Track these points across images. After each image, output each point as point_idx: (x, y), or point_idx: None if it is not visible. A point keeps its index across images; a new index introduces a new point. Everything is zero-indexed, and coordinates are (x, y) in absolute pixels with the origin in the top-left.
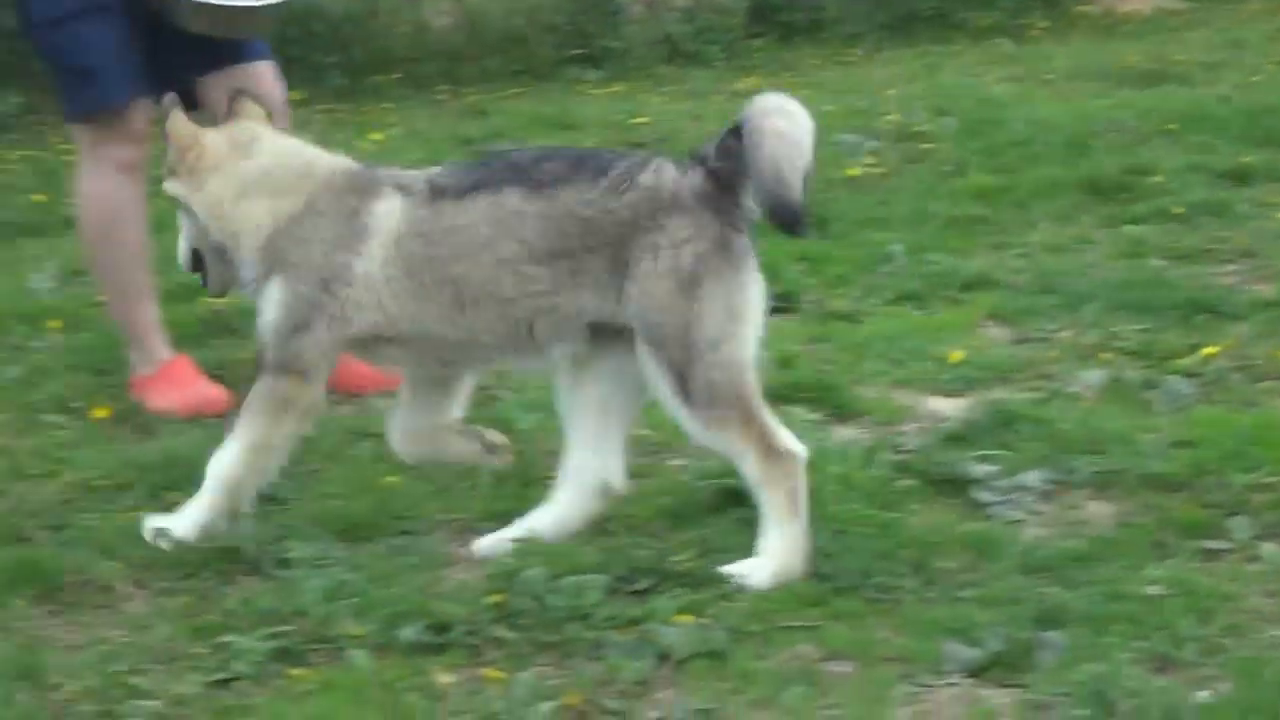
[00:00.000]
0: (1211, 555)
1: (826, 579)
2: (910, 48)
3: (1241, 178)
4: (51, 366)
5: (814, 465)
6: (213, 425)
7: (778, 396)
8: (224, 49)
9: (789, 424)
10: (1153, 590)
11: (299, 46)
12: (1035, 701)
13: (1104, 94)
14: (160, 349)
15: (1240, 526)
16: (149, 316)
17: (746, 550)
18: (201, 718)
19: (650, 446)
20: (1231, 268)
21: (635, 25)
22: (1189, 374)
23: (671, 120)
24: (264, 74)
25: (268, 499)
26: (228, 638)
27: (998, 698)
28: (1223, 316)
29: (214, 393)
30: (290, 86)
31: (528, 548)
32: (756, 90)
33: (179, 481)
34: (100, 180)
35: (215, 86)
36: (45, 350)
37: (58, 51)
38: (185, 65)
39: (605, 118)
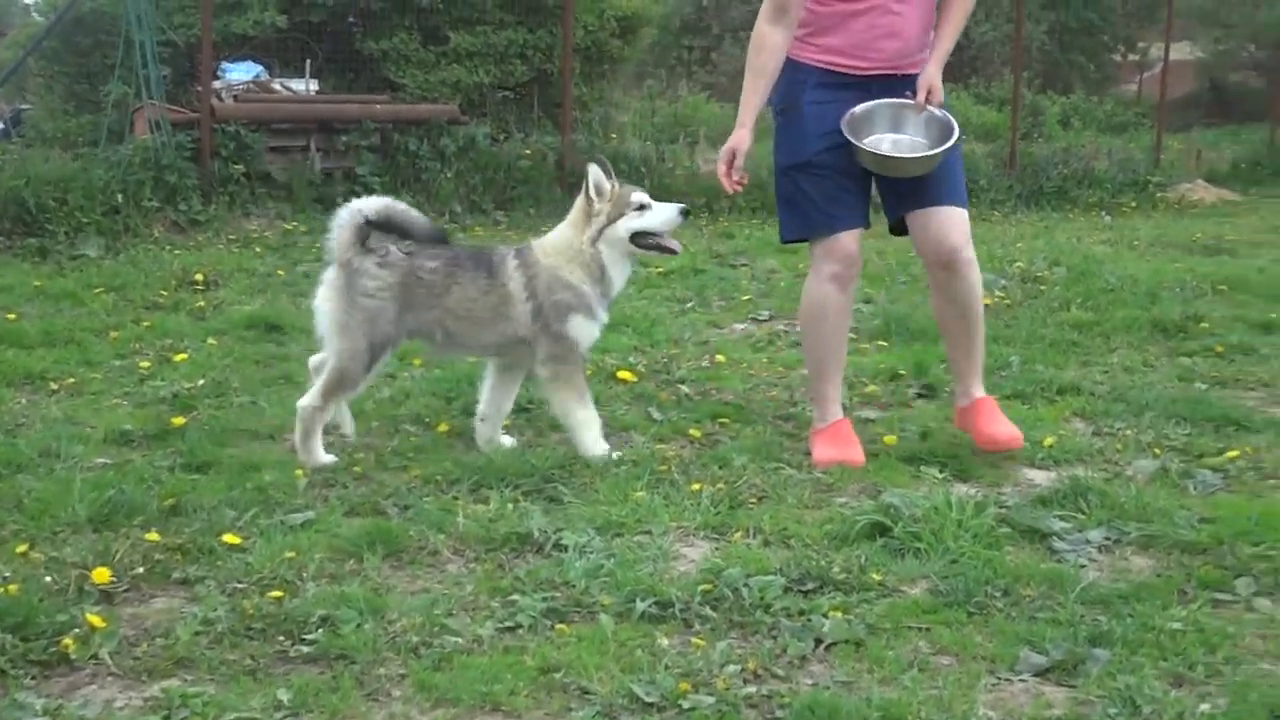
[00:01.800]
0: (1221, 604)
1: (940, 595)
2: (1037, 214)
3: (1269, 328)
4: (413, 391)
5: (938, 512)
6: (522, 445)
7: (917, 459)
8: (928, 192)
9: (922, 481)
10: (1175, 625)
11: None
12: (1082, 700)
13: (1174, 259)
14: (832, 411)
15: (1244, 585)
16: (831, 387)
17: (889, 566)
18: (491, 653)
19: (824, 486)
20: (1255, 394)
21: None
22: (1216, 469)
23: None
24: (948, 216)
25: (553, 500)
26: (515, 597)
27: (1055, 695)
28: (1245, 429)
29: (856, 454)
30: None
31: (729, 551)
32: None
33: (492, 481)
34: (815, 284)
35: (915, 220)
36: (409, 379)
37: (779, 191)
38: (898, 202)
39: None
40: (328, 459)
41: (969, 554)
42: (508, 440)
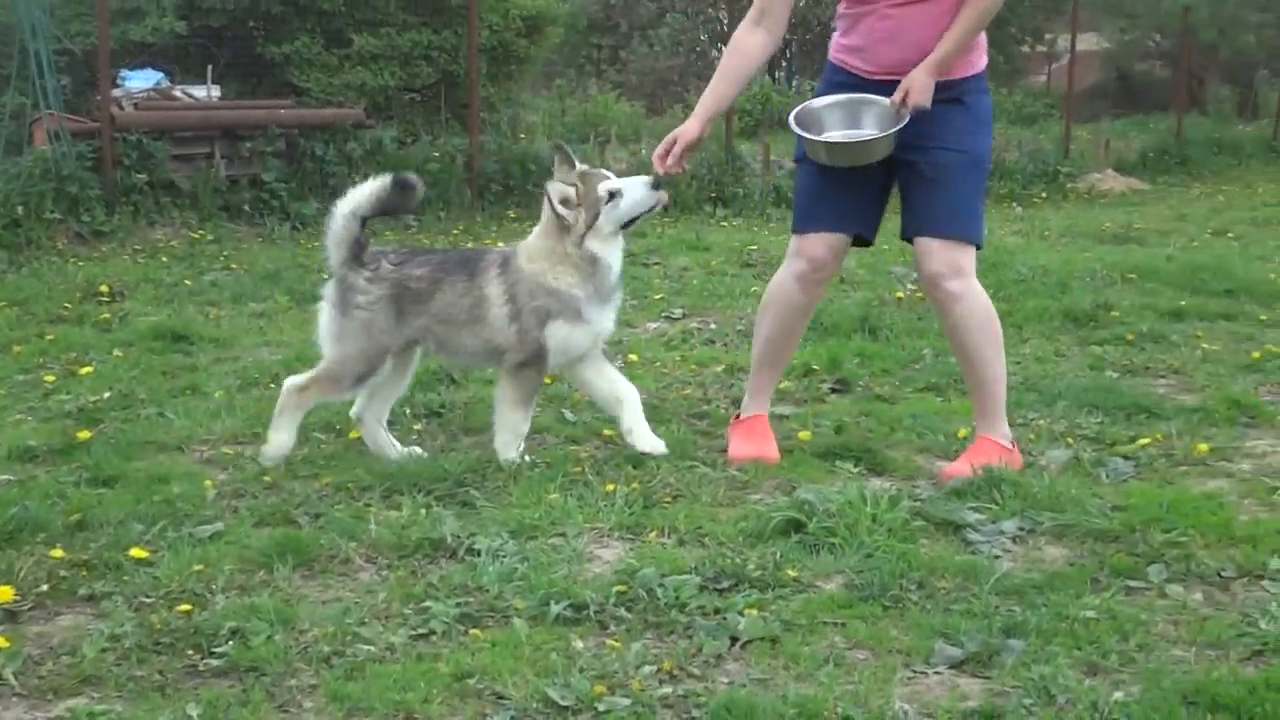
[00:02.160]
0: (1133, 591)
1: (856, 589)
2: None
3: (1178, 315)
4: None
5: (853, 506)
6: (434, 449)
7: (831, 454)
8: (916, 218)
9: (837, 476)
10: (1089, 614)
11: (518, 179)
12: (998, 691)
13: (1084, 249)
14: (756, 404)
15: (1156, 572)
16: (762, 379)
17: (804, 562)
18: (404, 661)
19: (738, 484)
20: (1165, 381)
21: (754, 178)
22: (1128, 457)
23: (775, 249)
24: (926, 245)
25: (466, 504)
26: (428, 603)
27: (971, 686)
28: (1156, 417)
29: (770, 450)
30: (507, 207)
31: (643, 551)
32: None
33: (404, 487)
34: (779, 275)
35: (846, 243)
36: None
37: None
38: (906, 224)
39: (726, 243)
40: (283, 450)
41: (884, 548)
42: (417, 449)
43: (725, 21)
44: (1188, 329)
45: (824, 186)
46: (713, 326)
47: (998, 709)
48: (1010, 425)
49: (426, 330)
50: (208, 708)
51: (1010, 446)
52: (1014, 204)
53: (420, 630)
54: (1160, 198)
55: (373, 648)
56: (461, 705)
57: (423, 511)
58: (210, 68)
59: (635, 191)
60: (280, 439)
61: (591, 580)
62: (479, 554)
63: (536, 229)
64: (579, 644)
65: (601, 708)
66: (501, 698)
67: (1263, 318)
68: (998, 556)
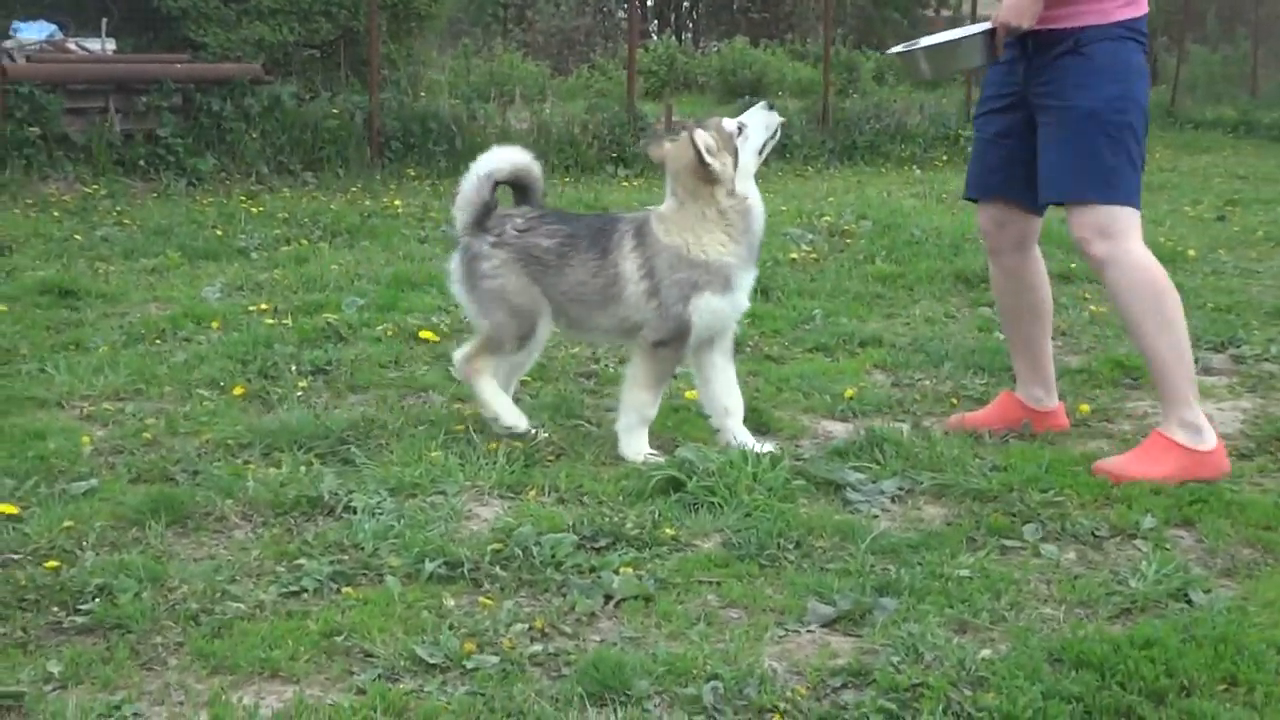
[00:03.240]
0: (1008, 550)
1: (733, 548)
2: (850, 169)
3: (1067, 278)
4: (209, 355)
5: (733, 466)
6: (318, 406)
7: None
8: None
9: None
10: (962, 573)
11: (419, 137)
12: (867, 649)
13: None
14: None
15: (1031, 531)
16: (1018, 367)
17: (683, 521)
18: (273, 618)
19: None
20: (1052, 343)
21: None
22: None
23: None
24: (1067, 212)
25: (347, 462)
26: (301, 561)
27: (841, 644)
28: None
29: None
30: (407, 166)
31: (522, 509)
32: None
33: (285, 444)
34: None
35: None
36: (206, 343)
37: None
38: (1008, 182)
39: (625, 203)
40: (517, 419)
41: (763, 507)
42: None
43: None
44: (1077, 291)
45: (975, 152)
46: None
47: (865, 666)
48: (898, 386)
49: (556, 305)
50: (69, 665)
51: (1191, 446)
52: (914, 166)
53: (291, 588)
54: None
55: (242, 605)
56: (328, 663)
57: (302, 469)
58: (105, 21)
59: (758, 118)
60: (498, 407)
61: (468, 538)
62: (356, 512)
63: (670, 202)
64: (451, 602)
65: (470, 665)
66: (369, 655)
67: None
68: (876, 516)
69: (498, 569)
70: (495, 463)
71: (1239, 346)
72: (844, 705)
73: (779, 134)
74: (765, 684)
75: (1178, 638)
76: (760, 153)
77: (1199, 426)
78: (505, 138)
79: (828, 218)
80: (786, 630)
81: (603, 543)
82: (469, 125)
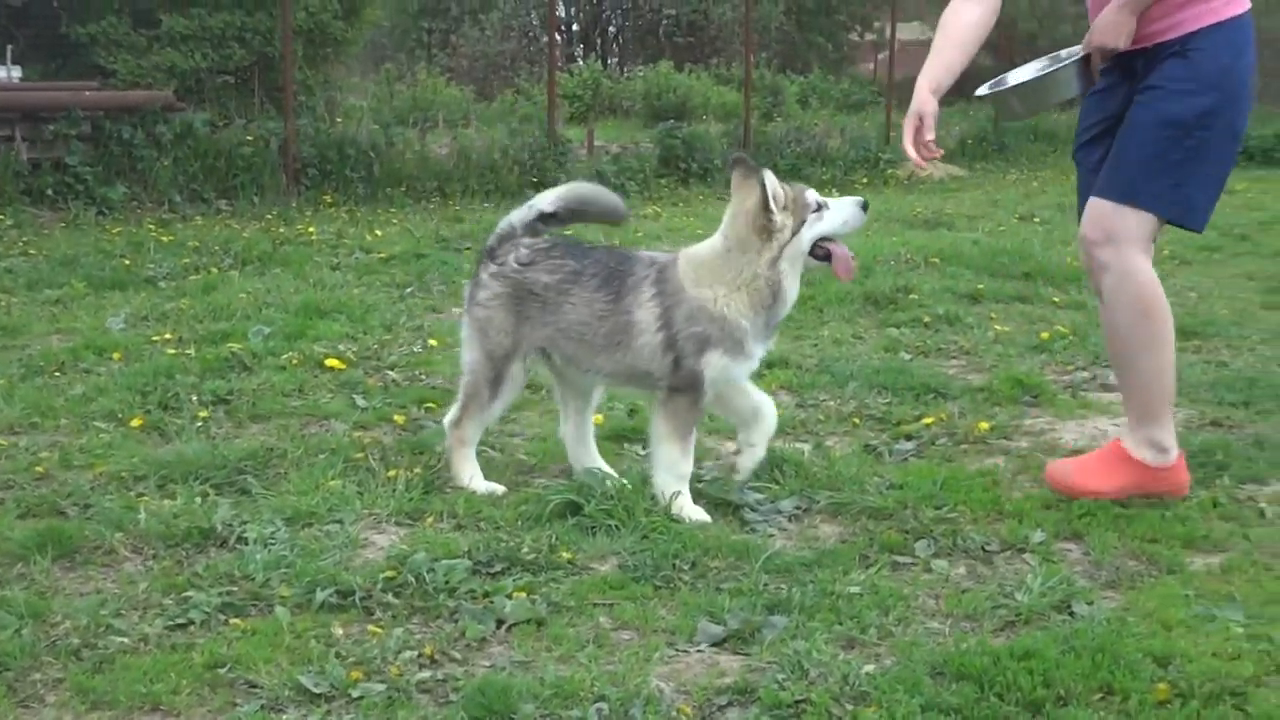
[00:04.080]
0: (899, 567)
1: (629, 570)
2: None
3: (975, 298)
4: (108, 386)
5: (632, 489)
6: (218, 437)
7: (622, 437)
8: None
9: (625, 458)
10: (853, 590)
11: (336, 164)
12: (755, 667)
13: (894, 233)
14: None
15: (923, 547)
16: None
17: (580, 544)
18: (156, 651)
19: (525, 468)
20: (956, 362)
21: (578, 163)
22: (910, 437)
23: (589, 235)
24: (1088, 207)
25: (244, 492)
26: (190, 593)
27: (730, 663)
28: (943, 397)
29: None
30: (324, 193)
31: (418, 536)
32: (660, 215)
33: (180, 476)
34: None
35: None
36: (106, 374)
37: None
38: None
39: None
40: (485, 485)
41: (660, 529)
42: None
43: (559, 5)
44: (984, 311)
45: (1080, 185)
46: None
47: (751, 684)
48: (802, 407)
49: (551, 342)
50: None
51: (1150, 463)
52: (834, 190)
53: (178, 620)
54: (977, 184)
55: (126, 639)
56: (211, 696)
57: (197, 500)
58: (10, 48)
59: (843, 210)
60: (467, 477)
61: (361, 567)
62: (249, 542)
63: (713, 244)
64: (340, 631)
65: (355, 694)
66: (254, 686)
67: (1056, 300)
68: (772, 535)
69: (390, 596)
70: (394, 490)
71: None
72: None
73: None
74: (651, 704)
75: (1057, 649)
76: (814, 250)
77: (1165, 447)
78: (424, 163)
79: None
80: (677, 650)
81: (498, 568)
82: (387, 151)
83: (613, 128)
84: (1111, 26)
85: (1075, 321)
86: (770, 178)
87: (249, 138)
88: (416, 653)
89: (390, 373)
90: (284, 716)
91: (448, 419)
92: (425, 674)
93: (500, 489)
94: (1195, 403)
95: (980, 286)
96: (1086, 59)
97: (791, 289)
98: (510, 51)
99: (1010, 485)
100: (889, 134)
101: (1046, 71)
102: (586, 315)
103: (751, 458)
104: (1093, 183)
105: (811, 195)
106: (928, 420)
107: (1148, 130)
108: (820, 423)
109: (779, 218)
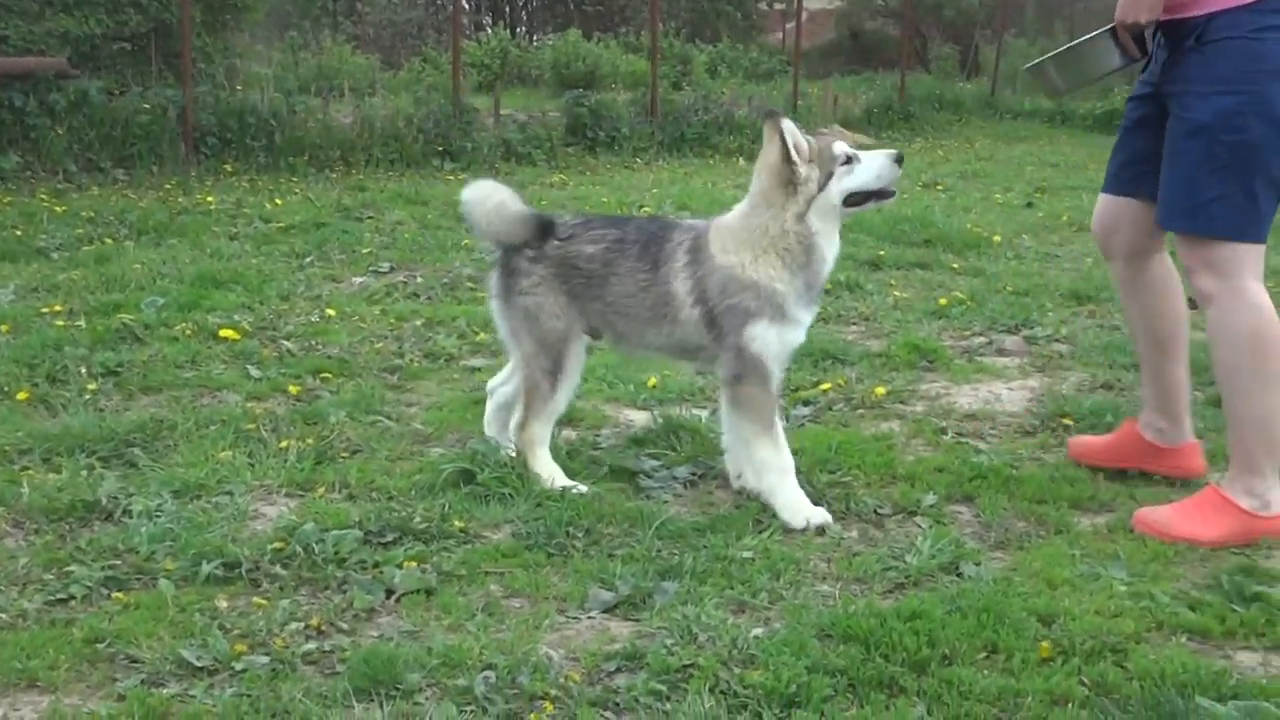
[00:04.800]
0: (791, 531)
1: (523, 538)
2: (678, 160)
3: (876, 265)
4: None
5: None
6: (106, 410)
7: None
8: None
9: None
10: (745, 554)
11: (236, 132)
12: (645, 632)
13: None
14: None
15: None
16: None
17: (473, 513)
18: (35, 627)
19: (422, 437)
20: (854, 328)
21: (484, 132)
22: (807, 402)
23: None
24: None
25: (132, 465)
26: (71, 568)
27: (620, 629)
28: (842, 363)
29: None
30: (224, 162)
31: (308, 507)
32: (566, 184)
33: (67, 449)
34: None
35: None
36: None
37: None
38: (1134, 179)
39: (447, 197)
40: (567, 482)
41: (554, 497)
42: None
43: None
44: (884, 278)
45: (1117, 141)
46: (419, 280)
47: (640, 650)
48: (699, 374)
49: (601, 318)
50: None
51: (1251, 510)
52: (740, 159)
53: (58, 595)
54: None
55: (3, 615)
56: (90, 670)
57: (83, 474)
58: None
59: (874, 162)
60: (548, 479)
61: (249, 539)
62: (134, 515)
63: (740, 207)
64: (224, 604)
65: (239, 667)
66: (135, 661)
67: (955, 266)
68: (667, 501)
69: (278, 568)
70: (285, 461)
71: (1032, 328)
72: (616, 689)
73: (891, 194)
74: (539, 671)
75: (943, 609)
76: (854, 202)
77: (1268, 500)
78: (327, 132)
79: (647, 209)
80: (567, 617)
81: (389, 538)
82: (289, 119)
83: (520, 96)
84: (1133, 2)
85: (973, 287)
86: (791, 127)
87: (146, 106)
88: (303, 624)
89: (286, 343)
90: (165, 690)
91: (513, 423)
92: (311, 645)
93: (584, 488)
94: (1088, 366)
95: (881, 253)
96: (1115, 31)
97: (828, 247)
98: (418, 19)
99: (904, 449)
100: (795, 102)
101: (1078, 41)
102: (631, 287)
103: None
104: (1127, 140)
105: (840, 147)
106: (825, 386)
107: (1186, 143)
108: (718, 389)
109: (803, 169)
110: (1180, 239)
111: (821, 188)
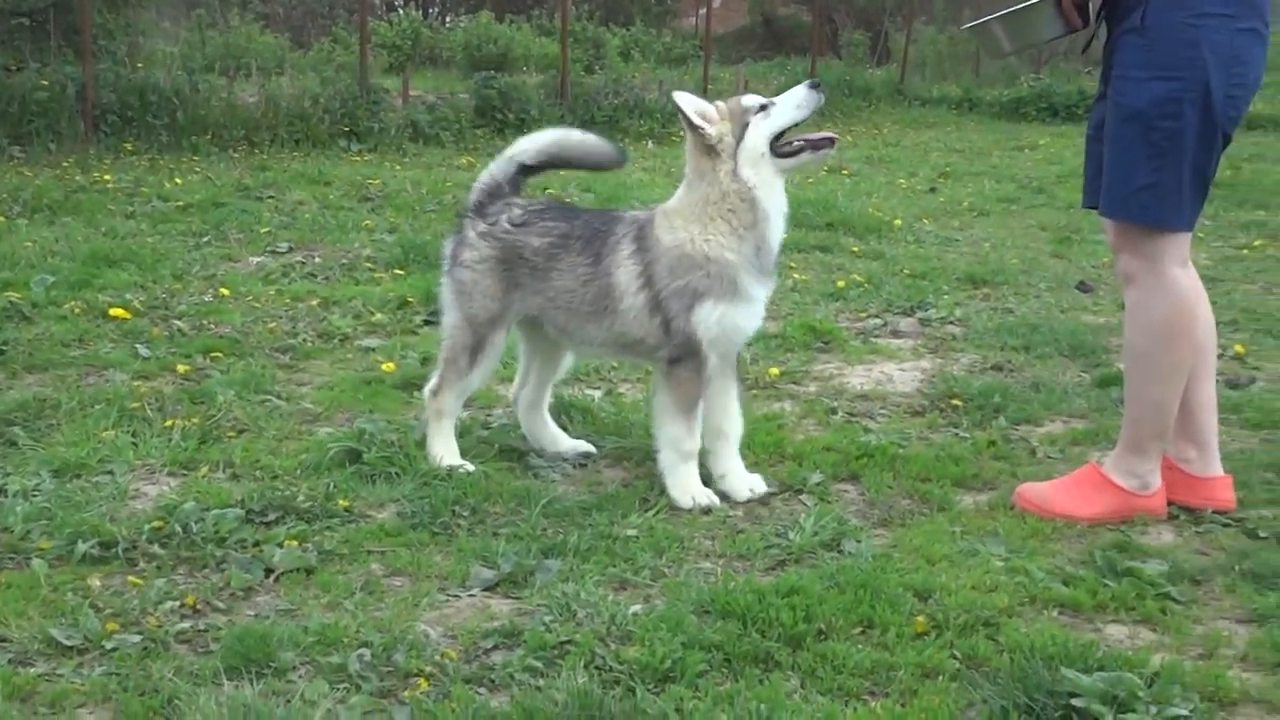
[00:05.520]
0: (677, 509)
1: (407, 517)
2: None
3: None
4: None
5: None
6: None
7: (411, 385)
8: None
9: (414, 406)
10: (629, 532)
11: (137, 110)
12: (524, 610)
13: None
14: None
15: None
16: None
17: (358, 492)
18: None
19: (310, 416)
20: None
21: (392, 113)
22: None
23: (398, 183)
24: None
25: (11, 444)
26: None
27: (500, 607)
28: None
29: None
30: (125, 140)
31: (189, 486)
32: (474, 165)
33: None
34: None
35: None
36: None
37: None
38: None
39: (350, 178)
40: (456, 461)
41: (441, 475)
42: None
43: None
44: (783, 260)
45: (1086, 152)
46: (317, 260)
47: (519, 627)
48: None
49: (543, 311)
50: None
51: (1131, 490)
52: (649, 141)
53: None
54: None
55: None
56: None
57: None
58: None
59: (794, 97)
60: (438, 456)
61: (127, 518)
62: (9, 495)
63: (679, 190)
64: (98, 583)
65: (110, 646)
66: (2, 640)
67: (855, 249)
68: (555, 480)
69: (155, 547)
70: (170, 440)
71: (927, 310)
72: (492, 666)
73: (823, 141)
74: (415, 649)
75: (822, 585)
76: (785, 150)
77: (1148, 481)
78: (231, 111)
79: (551, 190)
80: (448, 595)
81: (271, 517)
82: (192, 98)
83: (431, 78)
84: None
85: (871, 270)
86: (687, 96)
87: (45, 82)
88: (178, 603)
89: (177, 322)
90: (33, 670)
91: (427, 388)
92: (185, 624)
93: (470, 467)
94: (980, 348)
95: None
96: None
97: (769, 200)
98: None
99: (795, 429)
100: (706, 87)
101: (1022, 6)
102: (571, 281)
103: (736, 482)
104: (1092, 149)
105: (751, 99)
106: None
107: (1119, 129)
108: (613, 369)
109: (712, 130)
110: (1110, 224)
111: (739, 140)
